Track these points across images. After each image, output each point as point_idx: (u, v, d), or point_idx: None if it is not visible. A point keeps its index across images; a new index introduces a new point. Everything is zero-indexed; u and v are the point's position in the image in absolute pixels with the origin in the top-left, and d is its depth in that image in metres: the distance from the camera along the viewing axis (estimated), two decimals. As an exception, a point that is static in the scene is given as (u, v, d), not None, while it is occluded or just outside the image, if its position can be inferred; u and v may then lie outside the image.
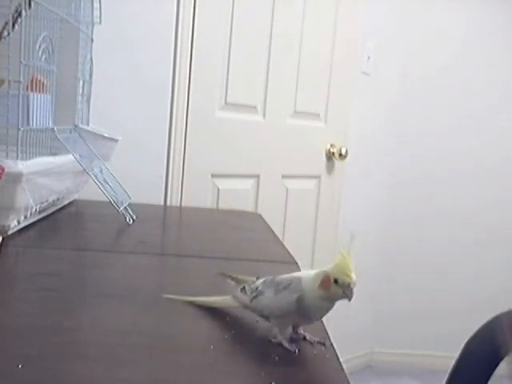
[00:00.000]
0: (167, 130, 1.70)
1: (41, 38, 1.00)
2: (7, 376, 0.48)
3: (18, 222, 1.01)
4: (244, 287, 0.64)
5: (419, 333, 2.76)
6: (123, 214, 1.18)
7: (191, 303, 0.69)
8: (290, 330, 0.61)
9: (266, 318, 0.61)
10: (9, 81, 0.93)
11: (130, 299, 0.72)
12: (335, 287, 0.55)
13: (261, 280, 0.63)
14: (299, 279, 0.59)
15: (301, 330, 0.61)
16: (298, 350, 0.58)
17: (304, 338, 0.60)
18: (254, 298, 0.62)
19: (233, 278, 0.68)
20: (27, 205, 0.99)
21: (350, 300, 0.55)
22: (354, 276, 0.55)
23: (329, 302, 0.57)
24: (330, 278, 0.55)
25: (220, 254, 1.04)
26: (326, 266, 0.58)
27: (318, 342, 0.60)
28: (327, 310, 0.58)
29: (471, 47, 2.67)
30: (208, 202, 1.83)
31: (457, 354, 1.09)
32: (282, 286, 0.59)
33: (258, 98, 1.94)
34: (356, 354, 2.67)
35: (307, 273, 0.60)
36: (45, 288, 0.74)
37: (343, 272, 0.55)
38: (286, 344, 0.58)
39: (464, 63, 2.67)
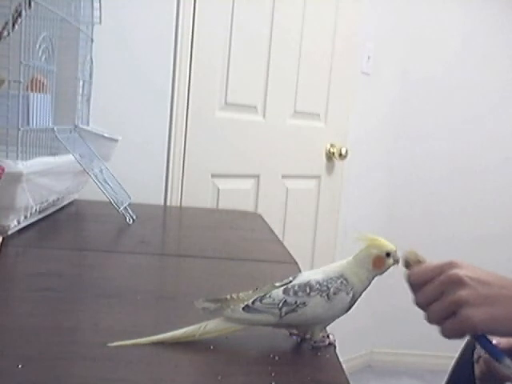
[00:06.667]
0: (167, 130, 1.70)
1: (41, 38, 1.00)
2: (7, 376, 0.48)
3: (18, 222, 1.01)
4: (248, 306, 0.57)
5: (419, 333, 2.74)
6: (123, 214, 1.18)
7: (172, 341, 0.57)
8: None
9: (301, 328, 0.60)
10: (9, 81, 0.93)
11: (130, 299, 0.72)
12: (388, 260, 0.59)
13: (275, 292, 0.58)
14: (343, 276, 0.58)
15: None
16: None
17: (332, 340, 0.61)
18: (290, 312, 0.56)
19: (212, 301, 0.59)
20: (27, 205, 0.99)
21: (398, 263, 0.60)
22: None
23: (371, 280, 0.60)
24: (381, 256, 0.59)
25: (220, 254, 1.04)
26: (342, 259, 0.61)
27: (329, 344, 0.60)
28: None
29: (471, 47, 2.67)
30: (208, 202, 1.83)
31: (457, 354, 1.09)
32: (332, 291, 0.57)
33: (258, 98, 1.94)
34: (356, 354, 2.67)
35: (340, 266, 0.60)
36: (45, 288, 0.74)
37: (384, 245, 0.59)
38: (327, 342, 0.60)
39: (464, 63, 2.67)
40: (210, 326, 0.58)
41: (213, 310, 0.58)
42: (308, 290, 0.57)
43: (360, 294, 0.59)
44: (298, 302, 0.57)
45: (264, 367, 0.54)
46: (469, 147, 2.70)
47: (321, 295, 0.57)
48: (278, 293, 0.57)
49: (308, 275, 0.60)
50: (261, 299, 0.57)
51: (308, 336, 0.60)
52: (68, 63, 1.25)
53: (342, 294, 0.58)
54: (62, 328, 0.61)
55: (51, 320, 0.63)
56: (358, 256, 0.60)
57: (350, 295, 0.58)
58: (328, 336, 0.60)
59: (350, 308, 0.59)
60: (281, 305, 0.57)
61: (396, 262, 0.60)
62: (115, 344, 0.55)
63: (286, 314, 0.57)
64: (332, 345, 0.60)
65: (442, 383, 1.08)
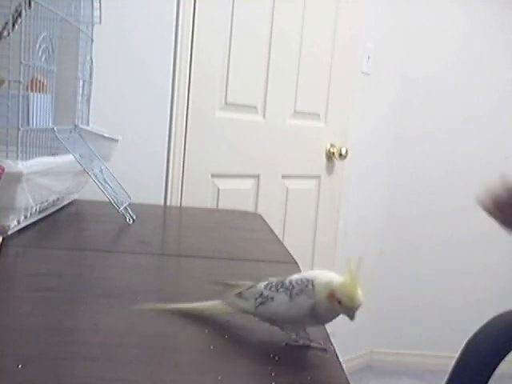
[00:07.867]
0: (167, 130, 1.70)
1: (41, 38, 1.00)
2: (7, 376, 0.48)
3: (18, 222, 1.01)
4: (240, 292, 0.61)
5: (419, 333, 2.76)
6: (123, 214, 1.18)
7: (177, 311, 0.64)
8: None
9: (274, 323, 0.60)
10: (9, 81, 0.93)
11: (130, 299, 0.72)
12: (339, 306, 0.55)
13: (262, 284, 0.60)
14: (312, 284, 0.57)
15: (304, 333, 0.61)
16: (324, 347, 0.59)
17: (309, 342, 0.60)
18: (261, 304, 0.59)
19: (222, 284, 0.64)
20: (27, 205, 0.99)
21: (352, 320, 0.55)
22: (359, 298, 0.54)
23: (337, 311, 0.56)
24: (335, 296, 0.55)
25: (220, 254, 1.04)
26: (337, 275, 0.57)
27: (321, 349, 0.60)
28: (336, 316, 0.57)
29: (471, 47, 2.67)
30: (208, 202, 1.83)
31: (457, 354, 1.09)
32: (295, 291, 0.57)
33: (258, 98, 1.94)
34: (356, 354, 2.67)
35: (318, 276, 0.58)
36: (45, 288, 0.74)
37: (348, 294, 0.54)
38: (307, 343, 0.59)
39: (464, 63, 2.67)
40: (210, 304, 0.63)
41: (218, 292, 0.63)
42: (279, 287, 0.59)
43: (327, 313, 0.56)
44: (268, 296, 0.58)
45: (264, 367, 0.54)
46: (469, 147, 2.70)
47: (286, 293, 0.58)
48: (260, 285, 0.60)
49: (301, 273, 0.60)
50: (248, 289, 0.61)
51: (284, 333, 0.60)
52: (68, 63, 1.25)
53: (304, 296, 0.56)
54: (61, 328, 0.61)
55: (51, 320, 0.63)
56: (333, 279, 0.57)
57: (311, 301, 0.56)
58: (327, 339, 0.60)
59: (311, 318, 0.57)
60: (257, 296, 0.59)
61: (348, 315, 0.55)
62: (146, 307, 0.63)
63: (259, 305, 0.59)
64: (308, 346, 0.59)
65: (442, 383, 1.08)
